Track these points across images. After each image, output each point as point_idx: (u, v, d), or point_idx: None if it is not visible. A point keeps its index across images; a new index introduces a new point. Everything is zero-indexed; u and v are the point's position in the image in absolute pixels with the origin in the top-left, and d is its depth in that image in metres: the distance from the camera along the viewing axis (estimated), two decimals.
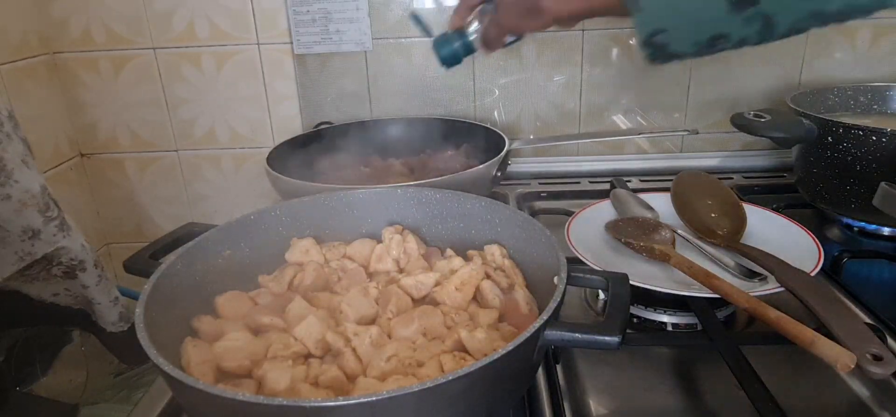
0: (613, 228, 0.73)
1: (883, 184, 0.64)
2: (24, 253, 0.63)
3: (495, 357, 0.38)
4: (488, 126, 0.99)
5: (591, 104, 1.08)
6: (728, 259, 0.67)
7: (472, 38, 0.65)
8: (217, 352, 0.48)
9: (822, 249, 0.65)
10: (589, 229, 0.73)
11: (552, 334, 0.42)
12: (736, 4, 0.48)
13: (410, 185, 0.69)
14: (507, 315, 0.54)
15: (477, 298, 0.56)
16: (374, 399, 0.35)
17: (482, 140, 0.96)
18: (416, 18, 0.72)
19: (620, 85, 1.07)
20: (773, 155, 1.08)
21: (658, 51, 0.52)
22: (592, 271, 0.52)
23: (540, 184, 1.05)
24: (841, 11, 0.48)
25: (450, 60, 0.66)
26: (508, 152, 0.88)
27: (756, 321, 0.56)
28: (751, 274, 0.63)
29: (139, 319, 0.44)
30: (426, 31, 0.70)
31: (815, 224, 0.86)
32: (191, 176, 1.16)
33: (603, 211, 0.79)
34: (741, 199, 0.76)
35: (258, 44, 1.06)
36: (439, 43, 0.66)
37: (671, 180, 0.82)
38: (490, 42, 0.64)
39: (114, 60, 1.07)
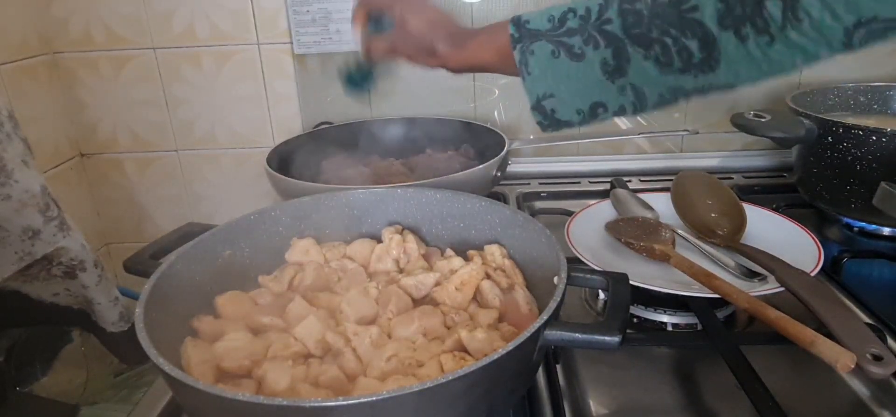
0: (613, 228, 0.73)
1: (883, 183, 0.64)
2: (24, 253, 0.63)
3: (495, 357, 0.38)
4: (488, 126, 0.99)
5: None
6: (728, 259, 0.67)
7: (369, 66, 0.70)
8: (217, 352, 0.48)
9: (822, 249, 0.65)
10: (589, 229, 0.73)
11: (552, 334, 0.42)
12: (609, 74, 0.55)
13: (410, 185, 0.69)
14: (507, 315, 0.54)
15: (477, 298, 0.56)
16: (374, 399, 0.35)
17: (482, 140, 0.96)
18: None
19: None
20: (773, 155, 1.08)
21: (547, 117, 0.59)
22: (592, 271, 0.52)
23: (540, 184, 1.04)
24: (698, 89, 0.54)
25: (356, 90, 0.72)
26: (508, 152, 0.88)
27: (756, 321, 0.55)
28: (751, 274, 0.63)
29: (139, 319, 0.44)
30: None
31: (815, 224, 0.86)
32: (191, 176, 1.16)
33: (603, 211, 0.78)
34: (741, 199, 0.76)
35: (258, 44, 1.06)
36: (345, 79, 0.73)
37: (671, 180, 0.82)
38: (376, 55, 0.68)
39: (114, 60, 1.07)
